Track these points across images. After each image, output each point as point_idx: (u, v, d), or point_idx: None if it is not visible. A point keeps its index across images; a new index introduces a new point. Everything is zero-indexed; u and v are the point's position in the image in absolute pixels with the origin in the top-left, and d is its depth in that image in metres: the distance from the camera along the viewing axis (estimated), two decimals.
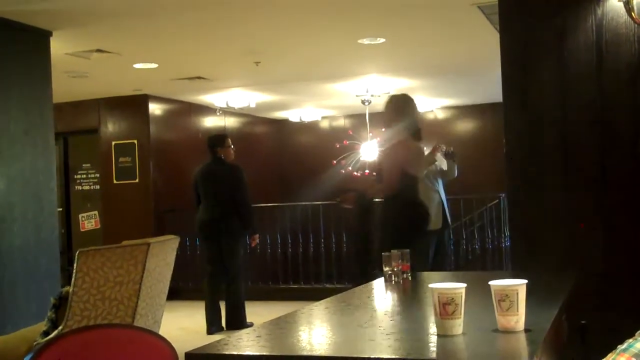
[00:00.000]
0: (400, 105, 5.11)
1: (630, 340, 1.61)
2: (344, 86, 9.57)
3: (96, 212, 10.01)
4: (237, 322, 6.84)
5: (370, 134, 10.49)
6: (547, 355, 1.93)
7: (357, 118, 11.93)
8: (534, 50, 4.24)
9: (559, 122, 4.17)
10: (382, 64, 8.33)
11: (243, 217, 6.89)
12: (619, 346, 1.61)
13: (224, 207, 6.86)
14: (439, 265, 6.85)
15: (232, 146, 7.16)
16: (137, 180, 9.79)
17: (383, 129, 5.19)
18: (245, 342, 2.06)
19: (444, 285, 1.97)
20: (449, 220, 7.14)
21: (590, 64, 4.09)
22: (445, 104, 11.98)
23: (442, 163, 7.03)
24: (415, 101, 5.19)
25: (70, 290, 4.16)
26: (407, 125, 4.98)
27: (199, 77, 8.57)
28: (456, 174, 7.20)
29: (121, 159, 9.86)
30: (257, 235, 7.41)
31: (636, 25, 3.95)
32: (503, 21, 4.37)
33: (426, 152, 7.20)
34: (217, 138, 7.25)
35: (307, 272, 9.52)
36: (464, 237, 9.38)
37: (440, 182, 7.08)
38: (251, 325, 6.52)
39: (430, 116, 12.26)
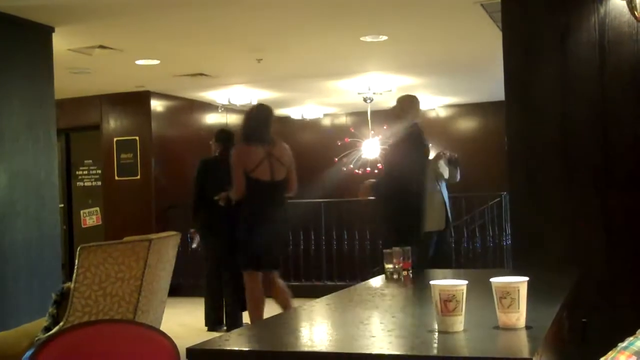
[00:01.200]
0: (250, 114, 5.77)
1: (631, 338, 1.62)
2: (346, 84, 9.56)
3: (97, 209, 10.02)
4: (233, 320, 6.77)
5: (372, 132, 10.49)
6: (548, 353, 1.93)
7: (359, 116, 11.93)
8: (537, 48, 4.24)
9: (561, 121, 4.17)
10: (384, 62, 8.33)
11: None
12: (619, 344, 1.61)
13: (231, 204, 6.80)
14: (440, 265, 6.85)
15: None
16: (138, 177, 9.80)
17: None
18: (246, 337, 2.06)
19: (446, 282, 1.97)
20: (450, 220, 7.12)
21: (593, 63, 4.08)
22: (447, 102, 11.97)
23: (444, 171, 6.99)
24: (270, 110, 5.89)
25: (72, 286, 4.17)
26: (250, 132, 5.56)
27: (201, 74, 8.57)
28: (458, 179, 7.16)
29: (123, 156, 9.86)
30: None
31: (639, 23, 3.94)
32: (506, 19, 4.37)
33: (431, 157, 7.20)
34: (227, 133, 7.11)
35: (308, 269, 9.53)
36: (466, 235, 9.38)
37: (443, 183, 7.06)
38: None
39: (432, 114, 12.25)
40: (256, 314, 5.71)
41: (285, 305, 5.76)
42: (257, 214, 5.48)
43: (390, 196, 5.49)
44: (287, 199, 5.80)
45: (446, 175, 7.00)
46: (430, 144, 7.36)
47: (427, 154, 5.98)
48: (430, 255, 6.74)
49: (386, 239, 5.81)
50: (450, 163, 7.02)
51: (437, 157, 6.98)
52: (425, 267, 6.52)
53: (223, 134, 7.04)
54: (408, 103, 5.98)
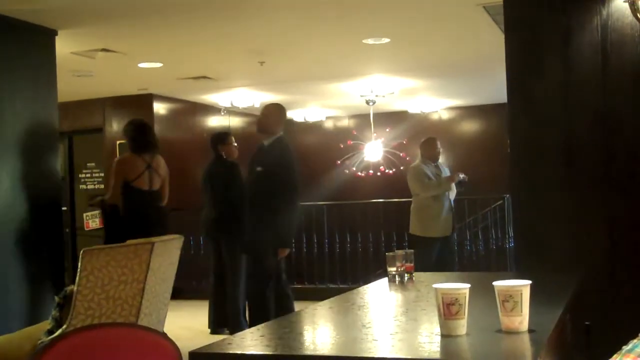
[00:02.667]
0: (135, 127, 6.13)
1: (635, 340, 1.61)
2: (348, 86, 9.57)
3: (100, 212, 10.00)
4: (235, 323, 6.76)
5: (375, 134, 10.49)
6: (551, 356, 1.93)
7: (362, 118, 11.94)
8: (539, 50, 4.23)
9: (563, 123, 4.17)
10: (386, 64, 8.33)
11: (240, 218, 6.81)
12: (623, 347, 1.61)
13: (222, 208, 6.82)
14: (442, 270, 6.83)
15: (235, 144, 7.09)
16: None
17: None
18: (249, 341, 2.06)
19: (448, 285, 1.97)
20: (455, 226, 7.09)
21: (595, 65, 4.08)
22: (450, 105, 11.97)
23: (452, 193, 6.99)
24: (149, 124, 6.40)
25: (75, 289, 4.17)
26: (139, 144, 5.97)
27: (203, 77, 8.57)
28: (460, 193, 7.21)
29: None
30: None
31: None
32: (508, 22, 4.37)
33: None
34: (219, 135, 7.19)
35: (310, 272, 9.53)
36: (468, 237, 9.37)
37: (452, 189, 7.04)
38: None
39: (435, 117, 12.26)
40: None
41: None
42: (137, 219, 5.86)
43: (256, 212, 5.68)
44: (163, 207, 6.25)
45: (453, 196, 6.99)
46: (441, 149, 7.33)
47: (293, 169, 5.79)
48: (433, 261, 6.72)
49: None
50: (461, 184, 7.00)
51: (452, 180, 6.94)
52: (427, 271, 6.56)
53: (212, 139, 7.11)
54: (276, 113, 5.89)
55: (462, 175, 6.99)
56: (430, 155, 7.09)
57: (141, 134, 6.02)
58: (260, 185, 5.65)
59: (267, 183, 5.58)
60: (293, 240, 6.12)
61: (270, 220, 5.55)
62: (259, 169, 5.68)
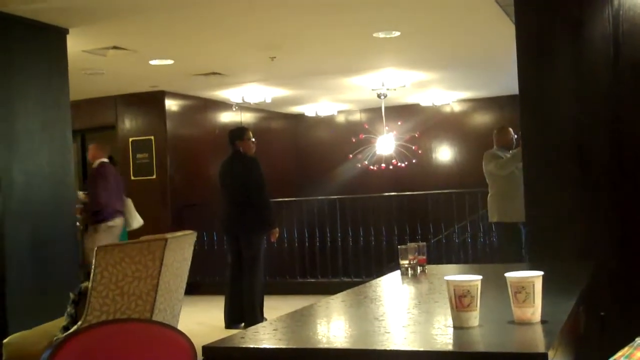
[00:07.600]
0: None
1: None
2: (359, 80, 9.55)
3: None
4: (250, 318, 6.76)
5: (386, 128, 10.47)
6: (563, 347, 1.92)
7: (373, 112, 11.92)
8: (550, 41, 4.21)
9: (575, 115, 4.15)
10: (397, 58, 8.31)
11: (259, 213, 6.84)
12: (636, 339, 1.60)
13: (240, 203, 6.84)
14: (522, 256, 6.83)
15: (253, 139, 7.10)
16: (154, 177, 9.84)
17: None
18: (262, 335, 2.07)
19: (460, 277, 1.97)
20: None
21: (607, 56, 4.06)
22: (462, 97, 11.93)
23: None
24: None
25: (89, 285, 4.20)
26: None
27: (214, 73, 8.58)
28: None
29: (138, 156, 9.91)
30: (277, 230, 7.28)
31: None
32: (519, 13, 4.35)
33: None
34: (237, 131, 7.22)
35: (324, 266, 9.53)
36: (482, 229, 9.34)
37: None
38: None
39: (447, 109, 12.22)
40: None
41: None
42: None
43: None
44: None
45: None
46: (515, 135, 7.25)
47: None
48: (519, 248, 6.70)
49: None
50: None
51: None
52: (516, 257, 6.53)
53: (230, 135, 7.14)
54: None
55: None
56: (504, 142, 7.05)
57: None
58: None
59: None
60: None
61: None
62: None
